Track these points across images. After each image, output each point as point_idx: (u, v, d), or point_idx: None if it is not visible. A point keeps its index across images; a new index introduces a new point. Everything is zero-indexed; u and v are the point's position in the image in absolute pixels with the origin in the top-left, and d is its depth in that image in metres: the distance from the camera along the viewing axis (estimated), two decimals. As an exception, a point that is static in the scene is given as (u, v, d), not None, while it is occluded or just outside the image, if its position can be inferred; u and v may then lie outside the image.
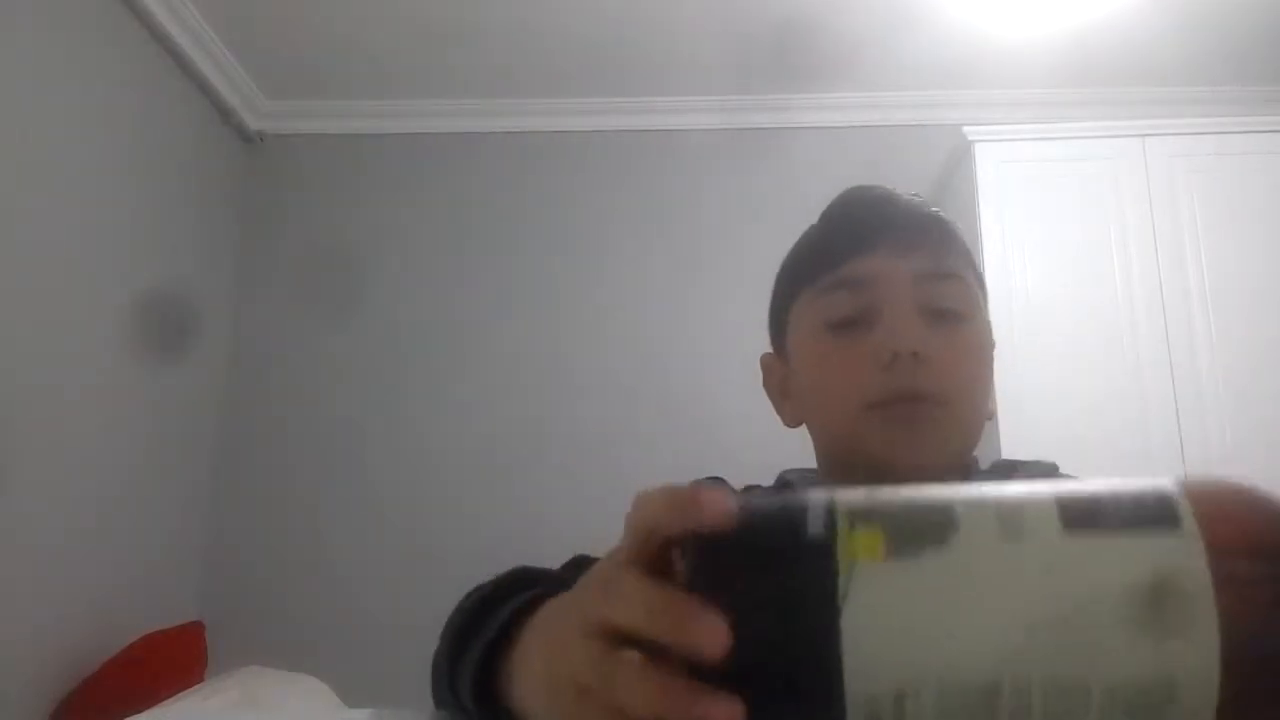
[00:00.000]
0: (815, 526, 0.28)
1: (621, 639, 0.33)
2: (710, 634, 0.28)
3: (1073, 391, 2.23)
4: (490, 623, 0.49)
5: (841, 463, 0.73)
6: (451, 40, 2.59)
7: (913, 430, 0.66)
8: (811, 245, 0.76)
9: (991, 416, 0.73)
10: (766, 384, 0.80)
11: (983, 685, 0.26)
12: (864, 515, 0.28)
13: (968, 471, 0.72)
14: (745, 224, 2.75)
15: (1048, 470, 0.73)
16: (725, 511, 0.30)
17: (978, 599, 0.27)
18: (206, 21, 2.48)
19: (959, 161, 2.54)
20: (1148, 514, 0.28)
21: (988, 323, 0.74)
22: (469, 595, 0.58)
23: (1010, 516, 0.28)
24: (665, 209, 2.85)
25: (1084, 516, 0.28)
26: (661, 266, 2.81)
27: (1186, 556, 0.26)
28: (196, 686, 2.07)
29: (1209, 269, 2.32)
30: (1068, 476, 0.71)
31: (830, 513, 0.29)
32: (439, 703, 0.58)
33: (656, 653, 0.31)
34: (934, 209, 0.75)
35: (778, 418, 0.78)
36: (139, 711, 1.64)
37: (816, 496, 0.30)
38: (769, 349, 0.81)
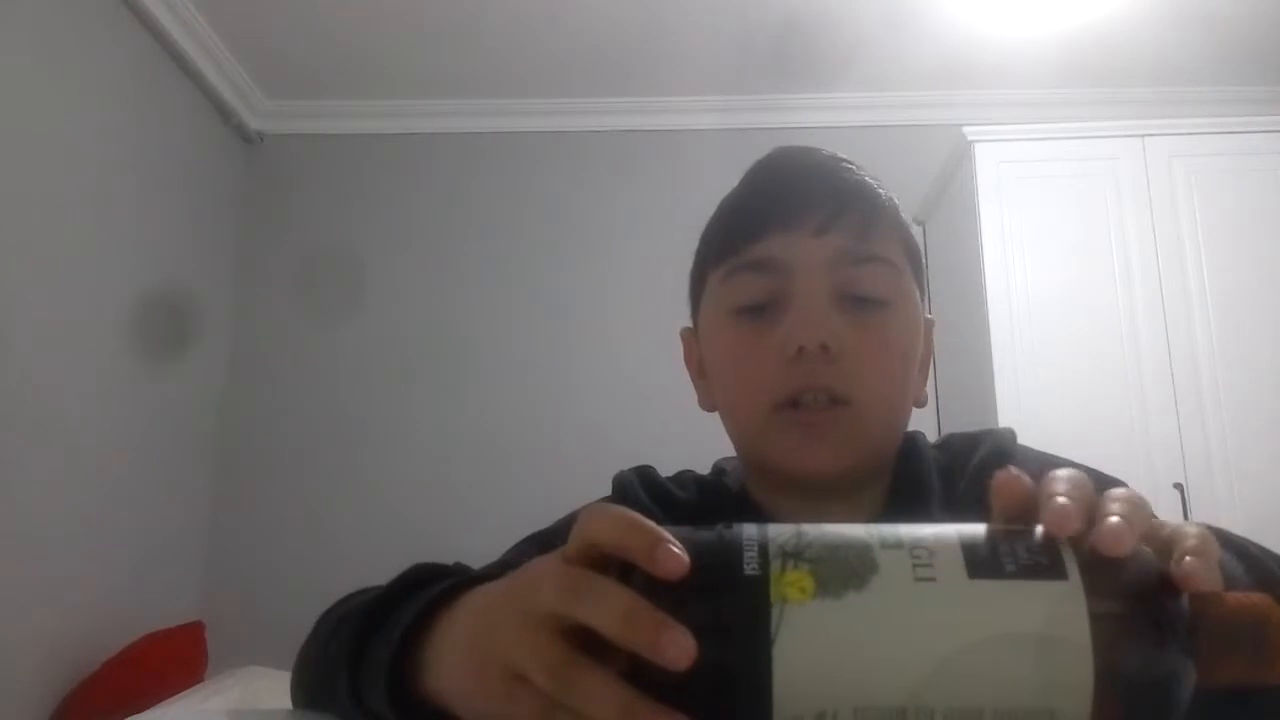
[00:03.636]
0: (751, 567, 0.32)
1: (569, 634, 0.34)
2: (681, 648, 0.30)
3: (1073, 391, 2.23)
4: (401, 616, 0.47)
5: (754, 463, 0.69)
6: (451, 40, 2.59)
7: (816, 434, 0.61)
8: (723, 218, 0.70)
9: (922, 405, 0.68)
10: (686, 360, 0.77)
11: (893, 709, 0.31)
12: (794, 555, 0.33)
13: (894, 466, 0.67)
14: (745, 224, 2.74)
15: (1006, 439, 0.69)
16: (679, 567, 0.32)
17: (891, 636, 0.31)
18: (206, 21, 2.48)
19: (959, 161, 2.54)
20: (1038, 564, 0.32)
21: (917, 306, 0.68)
22: (357, 593, 0.54)
23: (922, 563, 0.33)
24: (665, 209, 2.85)
25: (985, 564, 0.32)
26: (661, 266, 2.80)
27: (1069, 602, 0.31)
28: (196, 686, 2.07)
29: (1209, 269, 2.32)
30: (1025, 449, 0.69)
31: (764, 553, 0.33)
32: (311, 704, 0.56)
33: (594, 651, 0.33)
34: (862, 177, 0.68)
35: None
36: (139, 711, 1.64)
37: (751, 535, 0.34)
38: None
